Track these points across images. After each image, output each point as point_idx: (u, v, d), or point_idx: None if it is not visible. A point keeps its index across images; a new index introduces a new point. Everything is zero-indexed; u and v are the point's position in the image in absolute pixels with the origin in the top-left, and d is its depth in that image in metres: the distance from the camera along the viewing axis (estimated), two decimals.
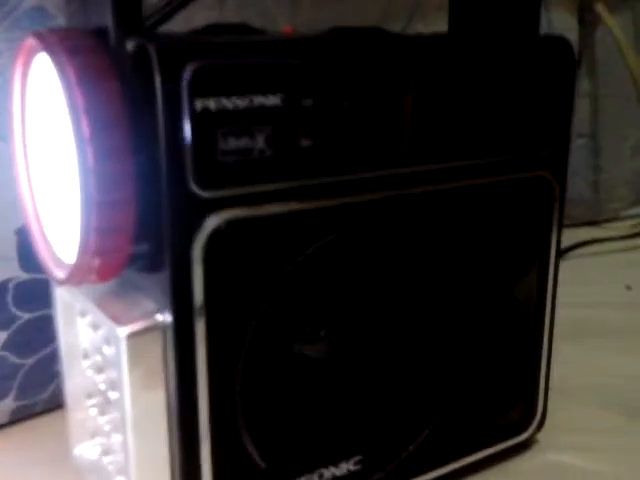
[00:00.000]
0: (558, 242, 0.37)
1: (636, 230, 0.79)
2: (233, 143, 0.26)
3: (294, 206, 0.28)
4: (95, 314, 0.29)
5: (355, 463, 0.32)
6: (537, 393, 0.38)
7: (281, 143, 0.27)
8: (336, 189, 0.29)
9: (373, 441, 0.33)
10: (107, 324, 0.28)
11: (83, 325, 0.31)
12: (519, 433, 0.38)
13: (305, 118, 0.27)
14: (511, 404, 0.37)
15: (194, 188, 0.25)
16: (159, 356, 0.27)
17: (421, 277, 0.33)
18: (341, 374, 0.32)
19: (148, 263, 0.27)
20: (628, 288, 0.54)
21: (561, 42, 0.34)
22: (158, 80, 0.24)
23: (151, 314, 0.27)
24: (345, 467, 0.32)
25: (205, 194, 0.26)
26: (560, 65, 0.34)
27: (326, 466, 0.31)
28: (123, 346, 0.27)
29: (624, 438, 0.38)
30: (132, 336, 0.27)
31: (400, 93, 0.29)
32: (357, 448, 0.32)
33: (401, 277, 0.32)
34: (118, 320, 0.27)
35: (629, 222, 0.81)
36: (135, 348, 0.27)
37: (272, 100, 0.26)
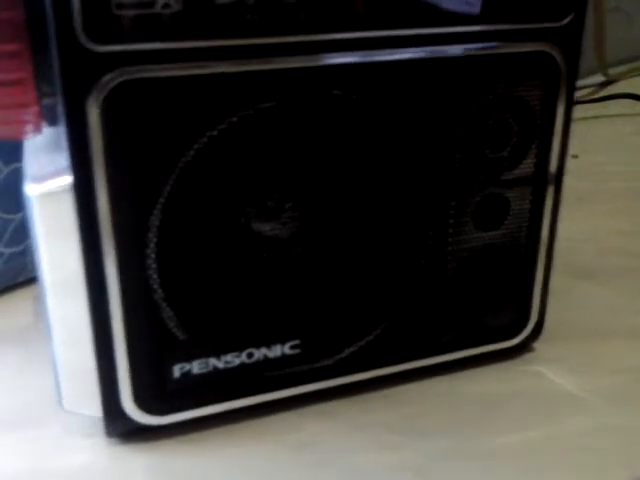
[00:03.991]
0: (566, 129, 0.32)
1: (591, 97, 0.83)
2: None
3: (215, 68, 0.26)
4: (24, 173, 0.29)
5: (292, 347, 0.31)
6: (531, 297, 0.34)
7: None
8: (265, 52, 0.26)
9: (317, 327, 0.31)
10: (24, 183, 0.28)
11: None
12: (509, 338, 0.35)
13: None
14: (492, 307, 0.34)
15: (85, 42, 0.24)
16: (72, 216, 0.27)
17: (395, 154, 0.30)
18: (282, 253, 0.30)
19: (50, 117, 0.26)
20: (574, 157, 0.57)
21: None
22: None
23: (62, 172, 0.27)
24: (279, 350, 0.31)
25: (100, 49, 0.24)
26: None
27: (257, 346, 0.30)
28: (34, 205, 0.27)
29: (569, 295, 0.42)
30: (43, 196, 0.27)
31: None
32: (295, 332, 0.31)
33: (373, 154, 0.30)
34: (32, 179, 0.27)
35: (585, 91, 0.85)
36: (45, 207, 0.27)
37: None
